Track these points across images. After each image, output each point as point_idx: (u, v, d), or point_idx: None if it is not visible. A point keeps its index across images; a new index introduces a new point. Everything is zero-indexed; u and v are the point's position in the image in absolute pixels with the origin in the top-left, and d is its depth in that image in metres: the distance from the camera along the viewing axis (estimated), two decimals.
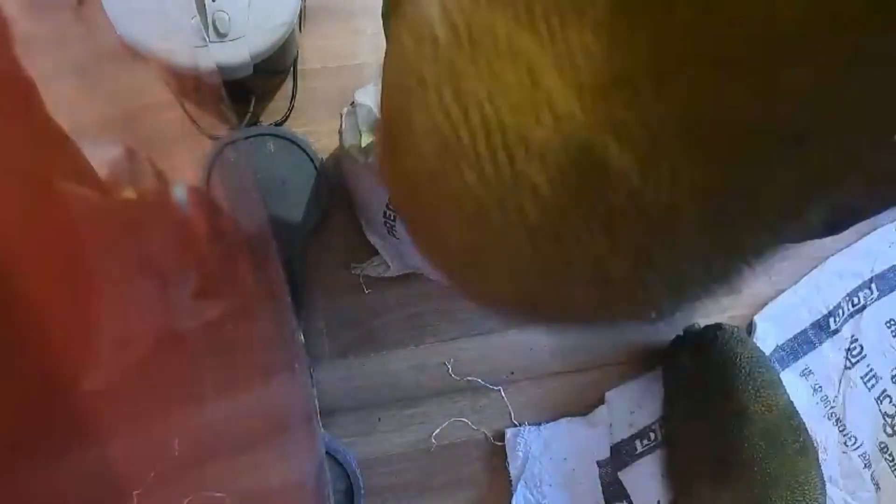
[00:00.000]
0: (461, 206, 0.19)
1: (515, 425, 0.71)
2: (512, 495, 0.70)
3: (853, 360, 0.78)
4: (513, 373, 0.72)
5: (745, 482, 0.62)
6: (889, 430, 0.76)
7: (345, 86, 0.69)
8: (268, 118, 0.70)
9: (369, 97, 0.59)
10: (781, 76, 0.15)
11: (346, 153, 0.59)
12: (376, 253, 0.69)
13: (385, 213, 0.60)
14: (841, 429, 0.76)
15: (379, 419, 0.70)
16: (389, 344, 0.71)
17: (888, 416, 0.77)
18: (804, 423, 0.65)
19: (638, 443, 0.73)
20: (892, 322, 0.79)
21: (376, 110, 0.56)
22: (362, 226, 0.69)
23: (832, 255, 0.80)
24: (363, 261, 0.70)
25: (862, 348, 0.78)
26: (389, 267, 0.69)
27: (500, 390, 0.72)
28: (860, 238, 0.81)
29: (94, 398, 0.23)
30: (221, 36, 0.57)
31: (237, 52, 0.57)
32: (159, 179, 0.37)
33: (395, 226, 0.61)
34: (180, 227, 0.38)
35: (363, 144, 0.57)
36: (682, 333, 0.72)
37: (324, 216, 0.69)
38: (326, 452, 0.65)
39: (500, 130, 0.17)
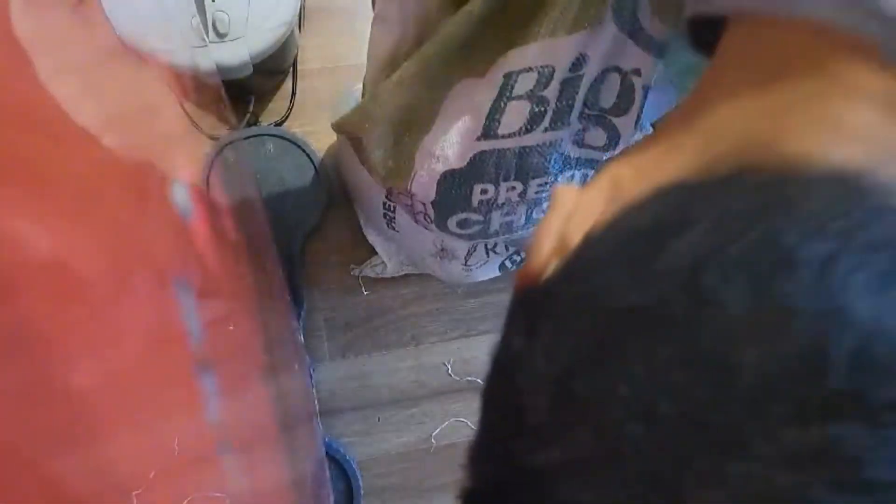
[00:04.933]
0: None
1: None
2: None
3: None
4: None
5: None
6: None
7: (345, 86, 0.69)
8: (268, 118, 0.70)
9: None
10: None
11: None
12: (375, 253, 0.69)
13: (385, 203, 0.60)
14: None
15: (379, 419, 0.70)
16: (389, 344, 0.71)
17: None
18: None
19: None
20: None
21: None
22: (361, 223, 0.69)
23: None
24: (362, 261, 0.70)
25: None
26: (387, 266, 0.68)
27: None
28: None
29: (93, 397, 0.23)
30: (221, 36, 0.57)
31: (237, 52, 0.57)
32: (159, 179, 0.37)
33: (394, 217, 0.60)
34: (180, 227, 0.38)
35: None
36: None
37: (323, 216, 0.69)
38: (326, 452, 0.65)
39: None
